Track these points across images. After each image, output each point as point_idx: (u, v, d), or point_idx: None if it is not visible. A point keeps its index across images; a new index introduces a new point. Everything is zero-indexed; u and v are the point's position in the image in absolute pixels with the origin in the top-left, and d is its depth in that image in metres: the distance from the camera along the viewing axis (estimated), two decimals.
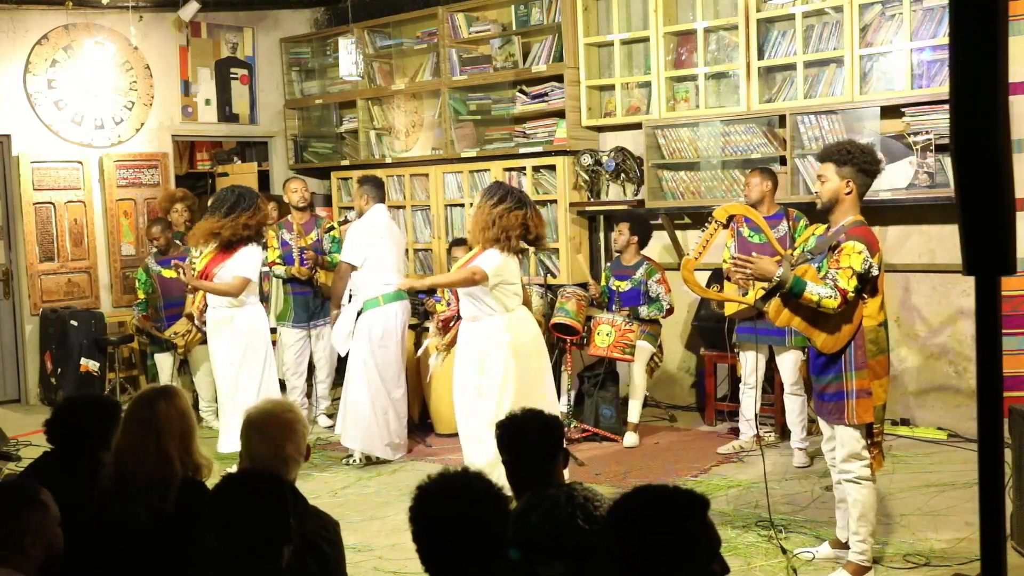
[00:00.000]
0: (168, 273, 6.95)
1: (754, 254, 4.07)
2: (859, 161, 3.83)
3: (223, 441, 5.68)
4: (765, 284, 3.84)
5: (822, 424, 4.07)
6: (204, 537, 2.43)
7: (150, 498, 2.83)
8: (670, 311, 6.30)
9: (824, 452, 4.14)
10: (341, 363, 8.16)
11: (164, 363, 7.08)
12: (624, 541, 2.03)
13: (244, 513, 2.37)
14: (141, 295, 7.09)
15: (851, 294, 3.67)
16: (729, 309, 5.76)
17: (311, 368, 7.13)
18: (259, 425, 2.87)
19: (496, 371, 4.97)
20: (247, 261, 5.66)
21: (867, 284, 3.72)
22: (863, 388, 3.77)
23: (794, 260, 3.86)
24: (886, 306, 3.96)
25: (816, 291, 3.67)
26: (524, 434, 2.85)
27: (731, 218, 4.13)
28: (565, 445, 2.94)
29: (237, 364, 5.64)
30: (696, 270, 4.00)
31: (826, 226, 4.03)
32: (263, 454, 2.83)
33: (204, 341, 6.90)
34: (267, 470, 2.63)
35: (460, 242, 6.72)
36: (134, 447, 2.89)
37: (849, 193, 3.84)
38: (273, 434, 2.85)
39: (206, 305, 5.87)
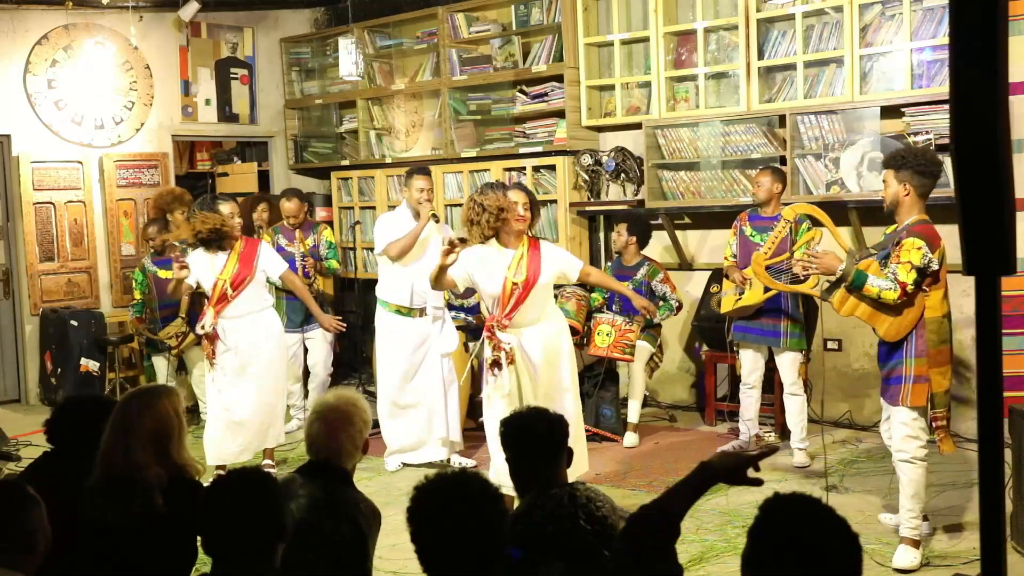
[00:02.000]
0: (164, 273, 6.94)
1: (818, 250, 4.44)
2: (913, 164, 4.15)
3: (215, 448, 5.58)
4: (830, 277, 4.18)
5: (883, 405, 4.36)
6: (195, 537, 2.43)
7: (133, 498, 2.83)
8: (679, 308, 6.31)
9: (881, 431, 4.50)
10: (340, 366, 8.17)
11: (160, 364, 7.07)
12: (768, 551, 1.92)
13: (232, 514, 2.37)
14: (138, 295, 7.07)
15: (910, 287, 3.99)
16: (726, 307, 5.77)
17: (306, 374, 7.11)
18: (322, 414, 3.01)
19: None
20: (276, 254, 5.93)
21: (927, 277, 4.04)
22: (920, 374, 4.08)
23: (859, 255, 4.20)
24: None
25: (876, 284, 4.01)
26: (528, 432, 2.85)
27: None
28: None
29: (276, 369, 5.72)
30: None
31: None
32: (320, 441, 2.98)
33: (199, 342, 6.89)
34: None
35: (462, 241, 6.69)
36: (108, 448, 2.91)
37: (907, 195, 4.15)
38: (332, 424, 2.98)
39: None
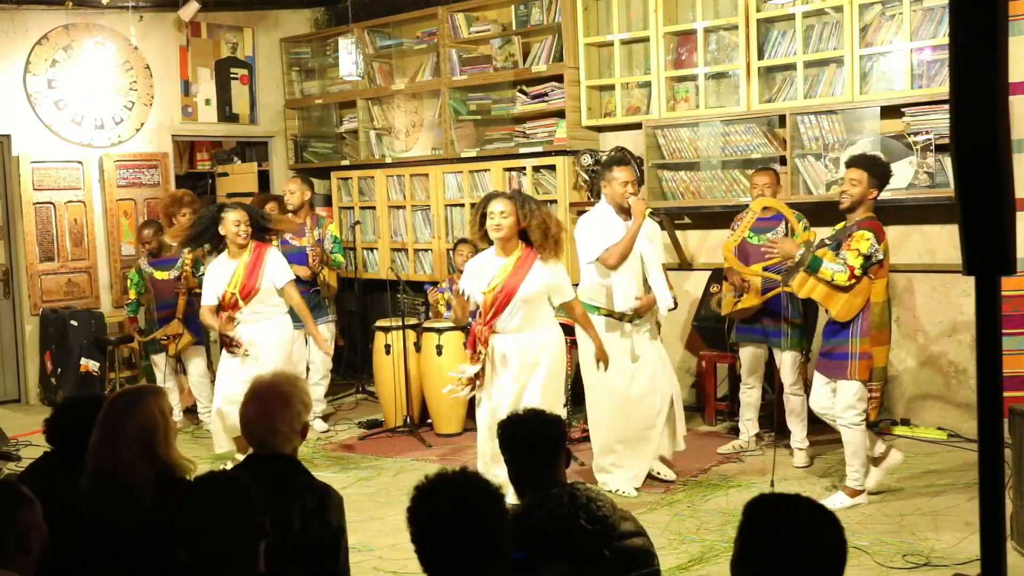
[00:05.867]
0: (160, 275, 6.93)
1: (770, 237, 5.20)
2: (881, 173, 4.79)
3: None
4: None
5: (816, 377, 4.92)
6: (177, 547, 2.37)
7: (121, 497, 2.82)
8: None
9: (811, 401, 5.01)
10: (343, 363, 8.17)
11: (159, 364, 7.06)
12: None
13: (209, 522, 2.31)
14: (132, 295, 7.06)
15: (858, 270, 4.60)
16: (725, 309, 5.79)
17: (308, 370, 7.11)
18: (258, 393, 2.89)
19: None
20: (283, 262, 5.83)
21: (872, 265, 4.63)
22: (865, 351, 4.68)
23: (815, 245, 4.82)
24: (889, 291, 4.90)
25: (830, 267, 4.64)
26: (525, 433, 2.85)
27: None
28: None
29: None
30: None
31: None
32: (255, 423, 2.85)
33: (198, 342, 6.91)
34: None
35: (464, 241, 6.70)
36: (95, 448, 2.89)
37: (872, 197, 4.77)
38: (270, 404, 2.85)
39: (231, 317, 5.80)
